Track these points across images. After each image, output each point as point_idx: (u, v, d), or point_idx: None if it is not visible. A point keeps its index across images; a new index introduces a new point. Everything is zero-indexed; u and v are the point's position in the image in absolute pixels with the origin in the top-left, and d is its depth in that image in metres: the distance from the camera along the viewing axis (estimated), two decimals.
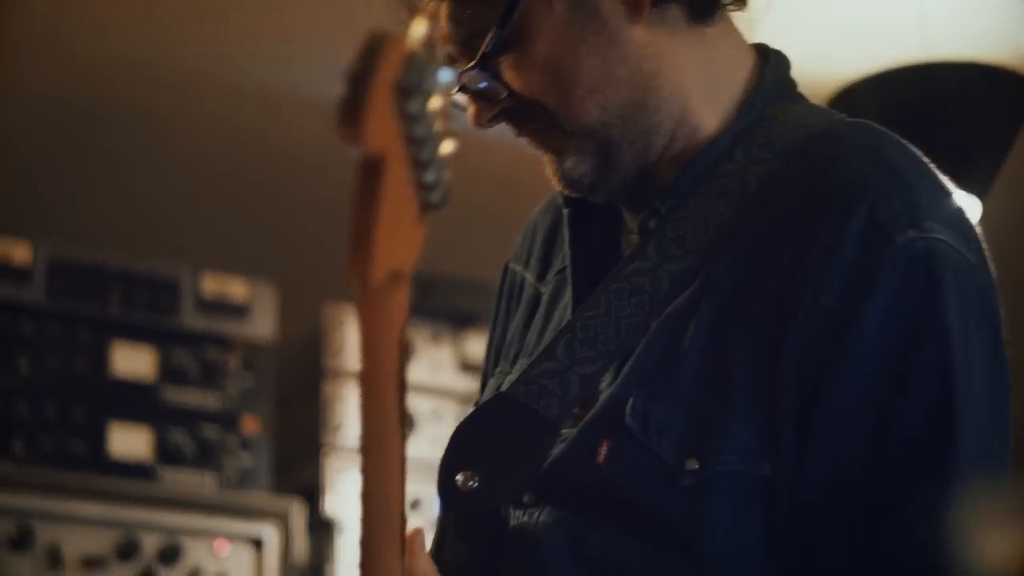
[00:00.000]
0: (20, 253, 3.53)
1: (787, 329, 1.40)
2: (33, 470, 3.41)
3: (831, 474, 1.38)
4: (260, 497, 3.62)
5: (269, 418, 3.71)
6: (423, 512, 3.54)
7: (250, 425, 3.68)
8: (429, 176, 1.21)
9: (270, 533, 3.55)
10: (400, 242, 1.21)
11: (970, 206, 2.67)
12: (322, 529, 3.63)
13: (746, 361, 1.41)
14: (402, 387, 1.28)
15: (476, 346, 3.87)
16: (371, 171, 1.18)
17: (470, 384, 3.85)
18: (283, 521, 3.56)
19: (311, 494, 3.66)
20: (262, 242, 4.16)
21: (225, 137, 3.94)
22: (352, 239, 1.19)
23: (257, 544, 3.53)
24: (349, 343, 3.78)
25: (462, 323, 3.91)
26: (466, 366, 3.87)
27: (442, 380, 3.85)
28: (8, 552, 3.30)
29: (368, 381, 1.26)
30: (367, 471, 1.30)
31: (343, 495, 3.66)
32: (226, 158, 4.00)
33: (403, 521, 1.33)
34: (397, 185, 1.19)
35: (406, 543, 1.34)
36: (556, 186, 1.56)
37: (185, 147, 3.92)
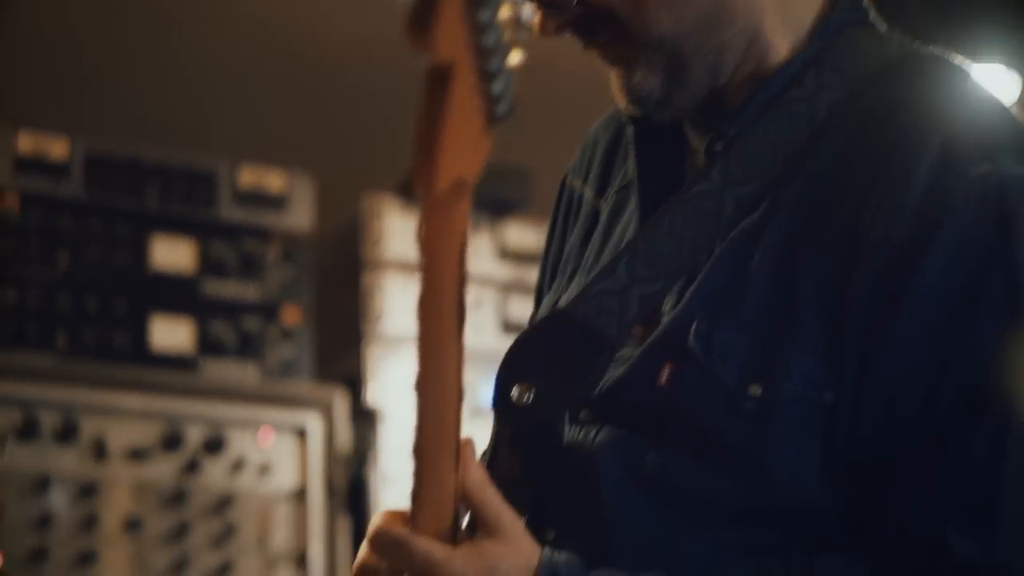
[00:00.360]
0: (58, 148, 3.54)
1: (855, 259, 1.39)
2: (76, 363, 3.44)
3: (893, 404, 1.37)
4: (303, 386, 3.64)
5: (310, 308, 3.72)
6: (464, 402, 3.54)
7: (291, 316, 3.70)
8: (496, 87, 1.21)
9: (314, 422, 3.57)
10: (465, 152, 1.22)
11: None
12: (365, 418, 3.64)
13: (812, 289, 1.40)
14: (461, 296, 1.29)
15: (515, 234, 3.87)
16: (439, 80, 1.18)
17: (509, 272, 3.85)
18: (326, 410, 3.58)
19: (353, 384, 3.67)
20: (299, 133, 4.15)
21: (262, 28, 3.93)
22: (418, 148, 1.20)
23: (301, 433, 3.56)
24: (387, 233, 3.78)
25: (501, 211, 3.90)
26: (505, 253, 3.87)
27: (481, 268, 3.85)
28: (54, 445, 3.34)
29: (428, 289, 1.28)
30: (424, 382, 1.31)
31: (385, 384, 3.68)
32: (263, 50, 3.99)
33: (458, 434, 1.34)
34: (464, 95, 1.19)
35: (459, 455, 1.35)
36: (621, 104, 1.53)
37: (222, 39, 3.91)
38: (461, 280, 1.28)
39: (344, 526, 3.54)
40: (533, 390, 1.48)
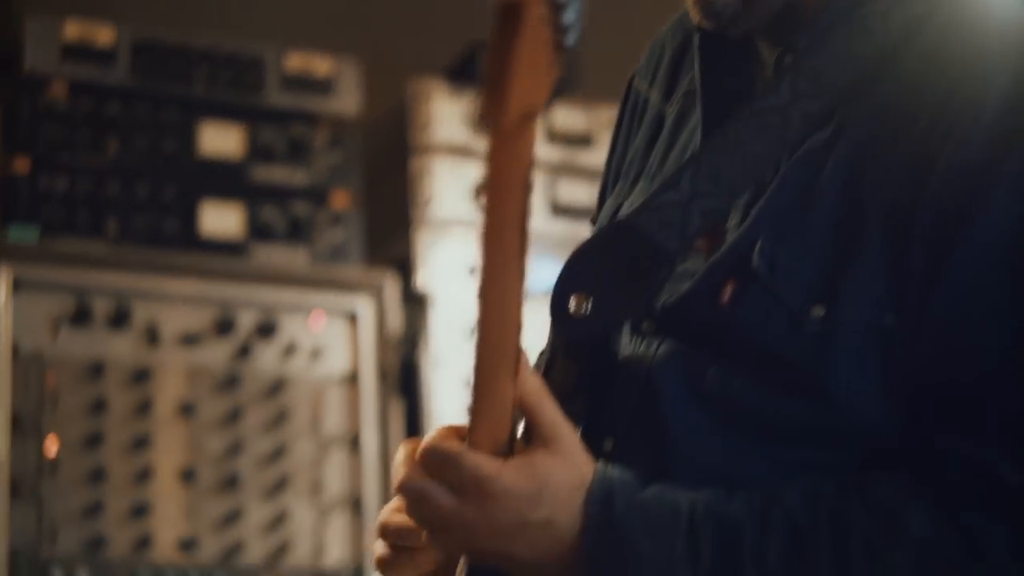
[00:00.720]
0: (104, 35, 3.54)
1: (923, 182, 1.37)
2: (127, 249, 3.45)
3: (954, 329, 1.36)
4: (353, 270, 3.65)
5: (358, 193, 3.72)
6: None
7: (340, 200, 3.70)
8: (567, 16, 1.20)
9: (364, 306, 3.58)
10: (533, 83, 1.22)
11: None
12: (415, 302, 3.65)
13: (878, 211, 1.38)
14: (525, 225, 1.29)
15: (563, 116, 3.84)
16: (509, 13, 1.18)
17: (558, 154, 3.83)
18: (377, 294, 3.59)
19: (404, 267, 3.68)
20: (346, 17, 4.13)
21: None
22: (486, 78, 1.21)
23: (352, 317, 3.57)
24: (435, 117, 3.76)
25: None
26: (553, 136, 3.85)
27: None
28: (107, 331, 3.36)
29: (492, 218, 1.28)
30: (486, 301, 1.31)
31: (435, 268, 3.68)
32: None
33: (519, 357, 1.34)
34: (534, 26, 1.19)
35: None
36: (694, 17, 1.50)
37: None
38: (525, 209, 1.29)
39: (396, 409, 3.56)
40: (591, 300, 1.47)
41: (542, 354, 1.57)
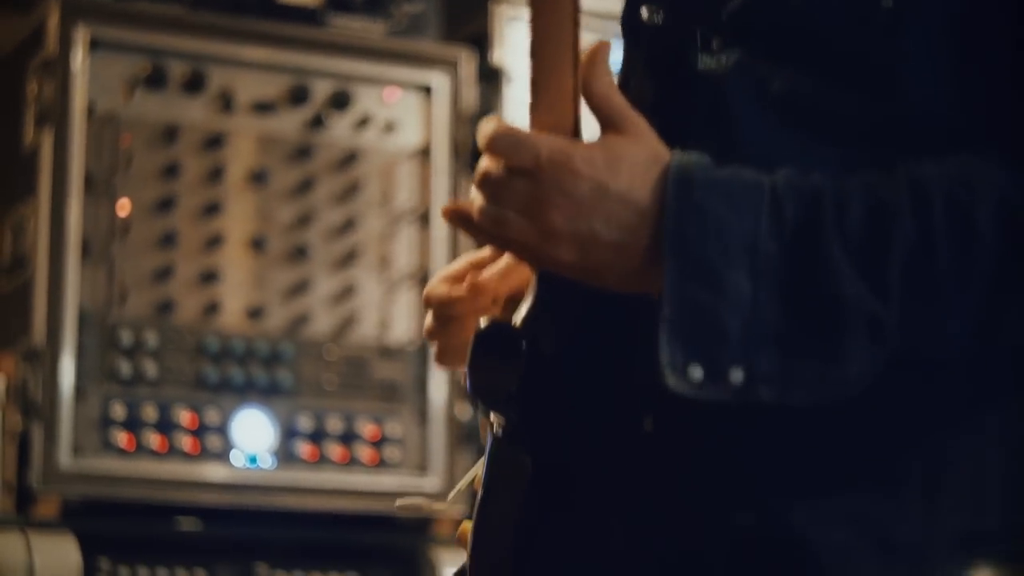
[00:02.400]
0: None
1: None
2: (205, 13, 3.42)
3: None
4: (429, 44, 3.61)
5: None
6: None
7: None
8: None
9: (440, 81, 3.55)
10: None
11: None
12: (491, 78, 3.61)
13: None
14: None
15: None
16: None
17: None
18: (452, 68, 3.56)
19: (480, 43, 3.64)
20: None
21: None
22: None
23: (427, 91, 3.54)
24: None
25: None
26: None
27: None
28: (181, 95, 3.35)
29: None
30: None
31: (511, 44, 3.64)
32: None
33: (577, 34, 1.32)
34: None
35: (585, 56, 1.33)
36: None
37: None
38: None
39: (468, 185, 3.55)
40: (662, 9, 1.47)
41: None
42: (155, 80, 3.32)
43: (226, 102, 3.37)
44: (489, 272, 1.54)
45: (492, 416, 1.42)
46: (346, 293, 3.43)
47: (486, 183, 1.32)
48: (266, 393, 3.33)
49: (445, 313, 1.53)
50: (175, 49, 3.35)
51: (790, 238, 1.29)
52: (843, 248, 1.28)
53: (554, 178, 1.29)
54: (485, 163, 1.33)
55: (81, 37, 3.26)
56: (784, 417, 1.32)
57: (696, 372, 1.28)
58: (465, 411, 3.44)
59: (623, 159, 1.30)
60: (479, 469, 1.47)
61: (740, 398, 1.29)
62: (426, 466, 3.41)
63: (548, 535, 1.42)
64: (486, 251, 1.56)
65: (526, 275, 1.45)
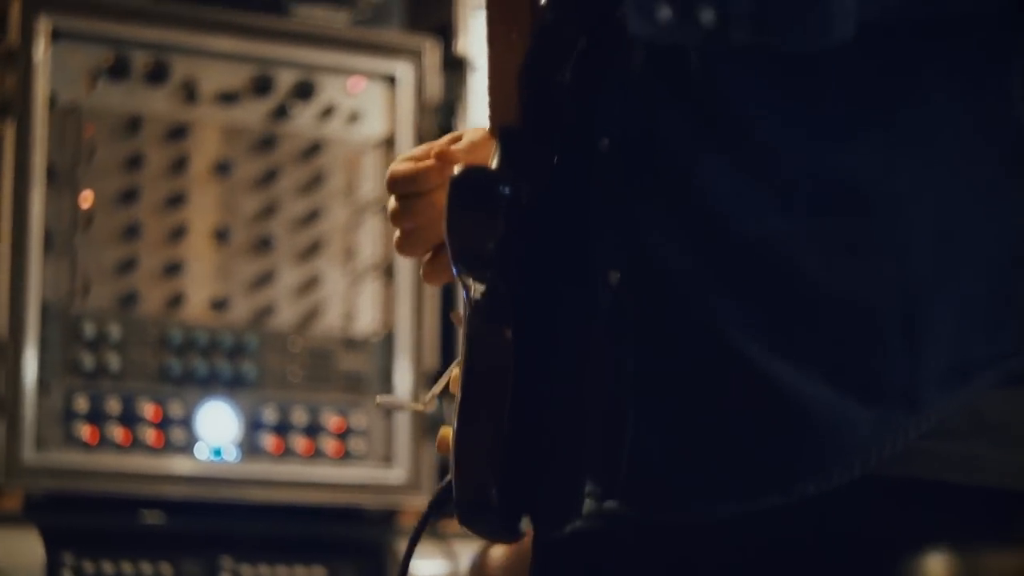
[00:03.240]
0: None
1: None
2: (169, 3, 3.40)
3: None
4: (394, 34, 3.60)
5: None
6: None
7: None
8: None
9: (404, 70, 3.54)
10: None
11: None
12: (456, 67, 3.60)
13: None
14: None
15: None
16: None
17: None
18: (417, 58, 3.54)
19: (445, 33, 3.62)
20: None
21: None
22: None
23: (391, 81, 3.53)
24: None
25: None
26: None
27: None
28: (145, 85, 3.33)
29: None
30: None
31: (476, 35, 3.63)
32: None
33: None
34: None
35: None
36: None
37: None
38: None
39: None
40: None
41: None
42: (118, 71, 3.30)
43: (189, 92, 3.36)
44: (456, 146, 1.49)
45: (471, 287, 1.34)
46: (310, 284, 3.42)
47: None
48: (230, 385, 3.31)
49: (412, 190, 1.47)
50: (138, 39, 3.33)
51: None
52: None
53: None
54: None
55: (43, 27, 3.24)
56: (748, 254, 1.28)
57: (664, 11, 1.18)
58: (431, 403, 3.43)
59: None
60: (455, 369, 1.41)
61: (711, 43, 1.20)
62: (391, 458, 3.40)
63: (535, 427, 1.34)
64: (441, 140, 1.52)
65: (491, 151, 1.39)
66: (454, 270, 1.35)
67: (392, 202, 1.49)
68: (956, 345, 1.27)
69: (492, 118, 1.37)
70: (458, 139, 1.52)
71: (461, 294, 1.37)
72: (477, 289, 1.33)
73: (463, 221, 1.33)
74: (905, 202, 1.28)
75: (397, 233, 1.50)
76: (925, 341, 1.26)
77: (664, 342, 1.31)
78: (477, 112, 3.58)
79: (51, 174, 3.22)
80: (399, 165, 1.48)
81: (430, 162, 1.46)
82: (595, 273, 1.32)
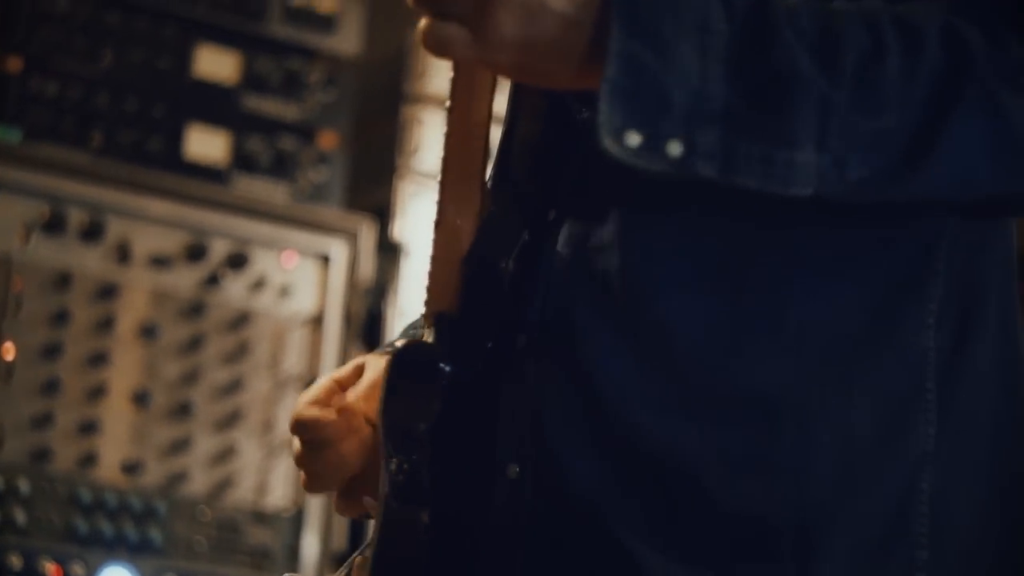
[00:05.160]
0: None
1: None
2: (109, 163, 3.42)
3: None
4: (331, 213, 3.63)
5: (347, 134, 3.70)
6: None
7: (327, 140, 3.67)
8: None
9: (338, 249, 3.56)
10: None
11: None
12: (390, 251, 3.63)
13: None
14: None
15: None
16: None
17: None
18: (352, 239, 3.57)
19: (382, 215, 3.66)
20: None
21: None
22: None
23: (325, 259, 3.55)
24: (432, 67, 3.73)
25: None
26: None
27: None
28: (79, 242, 3.34)
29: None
30: (454, 93, 1.35)
31: (413, 219, 3.66)
32: None
33: (485, 156, 1.35)
34: None
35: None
36: None
37: None
38: None
39: (357, 355, 3.54)
40: None
41: None
42: (53, 226, 3.31)
43: (123, 253, 3.36)
44: (353, 393, 1.51)
45: (392, 463, 1.36)
46: (225, 454, 3.40)
47: None
48: (135, 550, 3.27)
49: (318, 437, 1.49)
50: (76, 196, 3.34)
51: (740, 21, 1.23)
52: (797, 36, 1.23)
53: None
54: None
55: None
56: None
57: (633, 139, 1.20)
58: None
59: None
60: (358, 558, 1.43)
61: (679, 172, 1.21)
62: None
63: None
64: (346, 369, 1.55)
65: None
66: (383, 450, 1.37)
67: (297, 444, 1.52)
68: (849, 568, 1.30)
69: (429, 302, 1.40)
70: (361, 371, 1.54)
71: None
72: (397, 470, 1.35)
73: (401, 397, 1.36)
74: (811, 417, 1.31)
75: (303, 474, 1.52)
76: (818, 558, 1.29)
77: (556, 539, 1.33)
78: (408, 296, 3.60)
79: None
80: (305, 411, 1.50)
81: (332, 414, 1.49)
82: (498, 464, 1.35)
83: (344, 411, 1.50)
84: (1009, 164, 1.27)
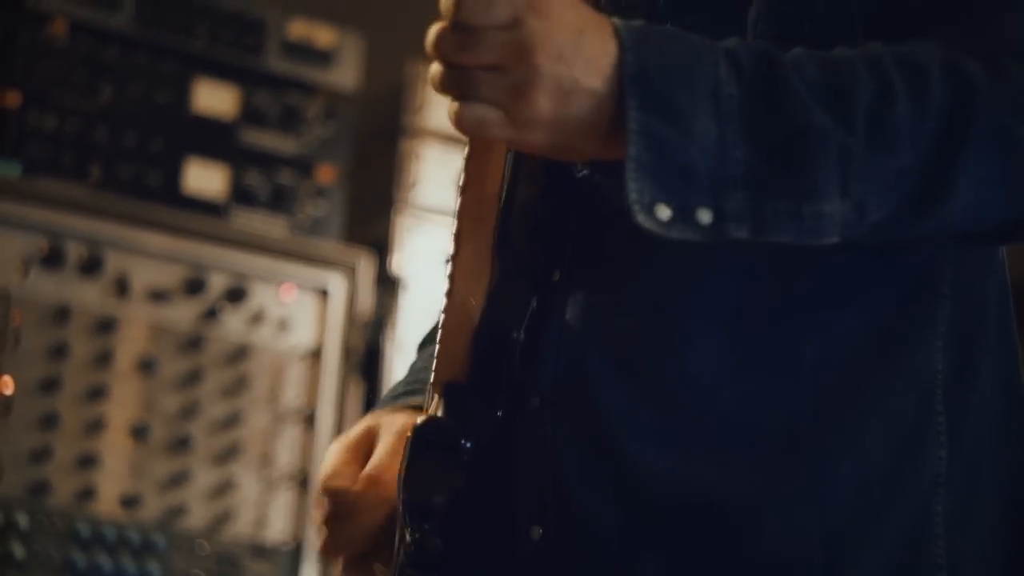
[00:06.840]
0: None
1: None
2: (107, 197, 3.43)
3: None
4: (330, 246, 3.63)
5: (346, 169, 3.70)
6: None
7: (326, 174, 3.68)
8: None
9: (337, 283, 3.56)
10: None
11: None
12: (388, 285, 3.64)
13: None
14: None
15: None
16: None
17: None
18: (351, 272, 3.57)
19: (381, 249, 3.66)
20: None
21: None
22: None
23: (323, 293, 3.55)
24: (431, 101, 3.74)
25: None
26: None
27: None
28: (77, 277, 3.34)
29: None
30: (469, 170, 1.37)
31: (412, 253, 3.67)
32: None
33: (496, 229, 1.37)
34: None
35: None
36: None
37: None
38: None
39: (356, 389, 3.54)
40: None
41: None
42: (52, 260, 3.31)
43: (121, 287, 3.36)
44: (374, 463, 1.51)
45: (410, 534, 1.37)
46: (224, 488, 3.39)
47: (455, 77, 1.26)
48: None
49: (345, 505, 1.50)
50: (74, 231, 3.34)
51: (749, 82, 1.25)
52: (807, 88, 1.25)
53: (536, 17, 1.23)
54: (450, 50, 1.27)
55: None
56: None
57: (663, 212, 1.23)
58: None
59: (583, 32, 1.24)
60: None
61: (714, 237, 1.24)
62: None
63: None
64: (356, 432, 1.54)
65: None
66: (401, 521, 1.38)
67: (326, 505, 1.52)
68: None
69: (438, 370, 1.40)
70: (371, 434, 1.54)
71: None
72: (414, 541, 1.37)
73: (422, 474, 1.37)
74: (830, 447, 1.32)
75: (325, 535, 1.53)
76: None
77: None
78: (407, 329, 3.60)
79: None
80: (333, 479, 1.51)
81: (360, 485, 1.49)
82: (519, 528, 1.36)
83: (369, 481, 1.50)
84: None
